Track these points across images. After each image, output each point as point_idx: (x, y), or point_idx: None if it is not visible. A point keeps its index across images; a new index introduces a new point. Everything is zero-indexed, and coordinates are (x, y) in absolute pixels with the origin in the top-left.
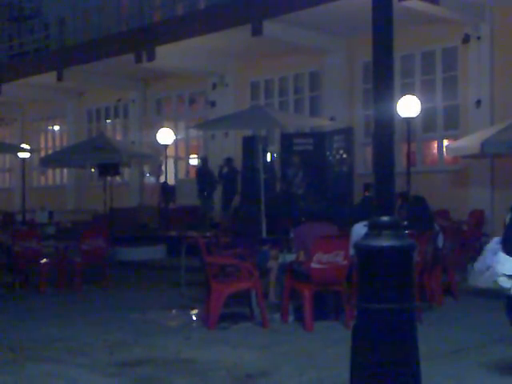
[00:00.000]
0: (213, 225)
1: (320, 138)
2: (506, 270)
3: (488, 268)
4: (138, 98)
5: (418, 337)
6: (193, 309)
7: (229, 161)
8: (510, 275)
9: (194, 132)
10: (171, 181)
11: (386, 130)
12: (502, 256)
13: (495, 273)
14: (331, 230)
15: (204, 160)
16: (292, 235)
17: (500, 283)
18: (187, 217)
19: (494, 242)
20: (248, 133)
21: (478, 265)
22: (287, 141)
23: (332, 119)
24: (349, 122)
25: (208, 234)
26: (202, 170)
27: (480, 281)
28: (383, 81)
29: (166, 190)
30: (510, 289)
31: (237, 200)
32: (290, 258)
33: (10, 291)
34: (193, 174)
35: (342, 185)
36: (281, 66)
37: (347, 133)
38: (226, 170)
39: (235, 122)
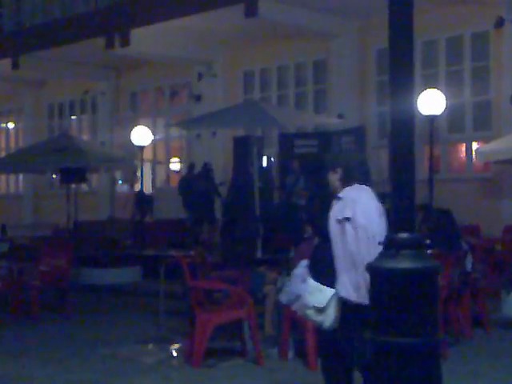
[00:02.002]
0: (198, 242)
1: (326, 139)
2: (315, 302)
3: (297, 298)
4: (109, 91)
5: (442, 376)
6: (173, 343)
7: (205, 166)
8: (320, 308)
9: (175, 131)
10: (148, 189)
11: (404, 129)
12: (312, 284)
13: (304, 304)
14: None
15: (191, 167)
16: (293, 254)
17: (310, 317)
18: (167, 232)
19: (302, 266)
20: (240, 133)
21: (284, 297)
22: (287, 142)
23: (340, 117)
24: (360, 121)
25: (192, 253)
26: (188, 178)
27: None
28: (401, 71)
29: (142, 201)
30: (322, 323)
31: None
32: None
33: None
34: (174, 182)
35: None
36: (279, 54)
37: (358, 133)
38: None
39: (225, 120)
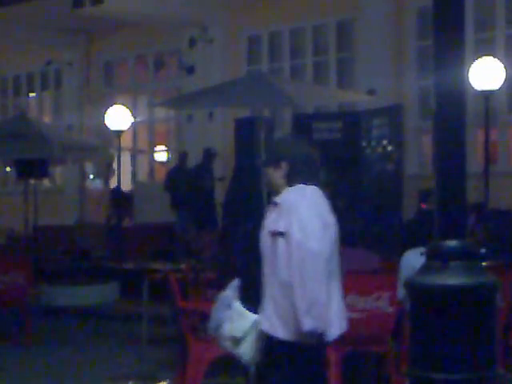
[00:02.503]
0: (190, 252)
1: (352, 122)
2: (233, 331)
3: (218, 326)
4: (78, 61)
5: None
6: (159, 380)
7: (208, 152)
8: (239, 337)
9: (161, 112)
10: (127, 186)
11: (452, 109)
12: (237, 309)
13: (222, 334)
14: (370, 261)
15: (182, 157)
16: None
17: (230, 350)
18: (151, 240)
19: (232, 287)
20: (244, 113)
21: (211, 325)
22: (303, 126)
23: (371, 93)
24: (396, 98)
25: (183, 267)
26: (177, 171)
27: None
28: (449, 35)
29: (120, 200)
30: (241, 356)
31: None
32: None
33: None
34: (160, 176)
35: (385, 192)
36: (293, 13)
37: (394, 113)
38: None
39: (224, 98)
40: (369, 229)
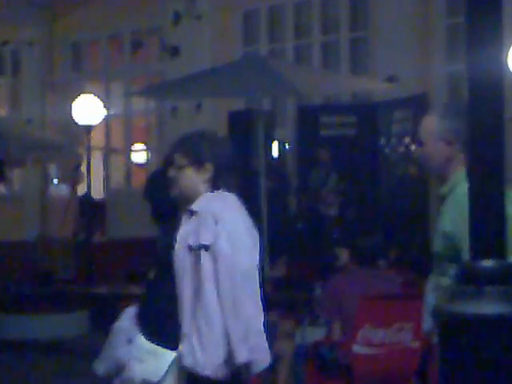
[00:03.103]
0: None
1: (369, 115)
2: (147, 373)
3: (119, 367)
4: (40, 41)
5: None
6: None
7: (166, 159)
8: (155, 382)
9: (140, 103)
10: (98, 193)
11: (488, 98)
12: (143, 345)
13: (129, 378)
14: (389, 284)
15: (166, 158)
16: (319, 293)
17: None
18: (127, 259)
19: (128, 316)
20: (239, 105)
21: (100, 366)
22: (309, 120)
23: (391, 80)
24: (421, 86)
25: None
26: (160, 176)
27: None
28: (484, 11)
29: (90, 210)
30: None
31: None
32: (314, 334)
33: None
34: (138, 181)
35: (408, 200)
36: None
37: (418, 105)
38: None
39: (215, 86)
40: (388, 245)
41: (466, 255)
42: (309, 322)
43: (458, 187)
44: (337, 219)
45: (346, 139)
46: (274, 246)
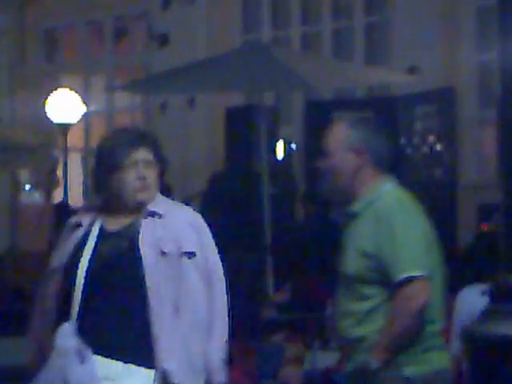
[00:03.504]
0: None
1: (387, 111)
2: None
3: None
4: (8, 29)
5: None
6: None
7: None
8: None
9: (124, 98)
10: (76, 200)
11: None
12: (103, 365)
13: None
14: None
15: None
16: (330, 311)
17: None
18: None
19: (68, 333)
20: (238, 100)
21: None
22: (319, 116)
23: (412, 71)
24: (447, 78)
25: None
26: None
27: None
28: None
29: (67, 220)
30: None
31: None
32: (325, 359)
33: None
34: None
35: (433, 207)
36: None
37: (444, 99)
38: None
39: (210, 78)
40: None
41: (395, 275)
42: (319, 345)
43: (377, 203)
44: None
45: None
46: (279, 263)
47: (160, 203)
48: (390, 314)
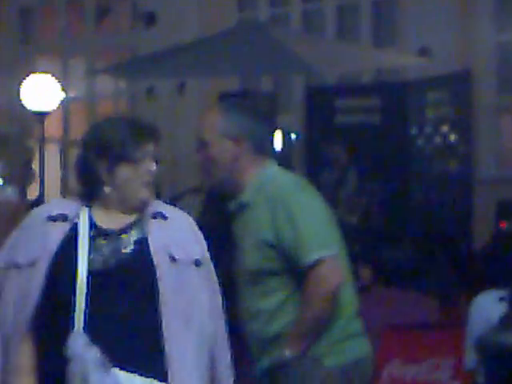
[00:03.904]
0: None
1: (397, 97)
2: None
3: None
4: None
5: None
6: None
7: None
8: None
9: (107, 83)
10: (54, 195)
11: None
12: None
13: None
14: (423, 310)
15: None
16: None
17: None
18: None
19: (80, 341)
20: (232, 85)
21: None
22: (323, 104)
23: (424, 53)
24: (462, 60)
25: None
26: None
27: None
28: None
29: None
30: None
31: None
32: None
33: None
34: None
35: (447, 204)
36: None
37: (458, 84)
38: None
39: (202, 61)
40: (422, 260)
41: (303, 259)
42: None
43: (267, 189)
44: (357, 229)
45: (369, 128)
46: None
47: (158, 204)
48: (303, 299)
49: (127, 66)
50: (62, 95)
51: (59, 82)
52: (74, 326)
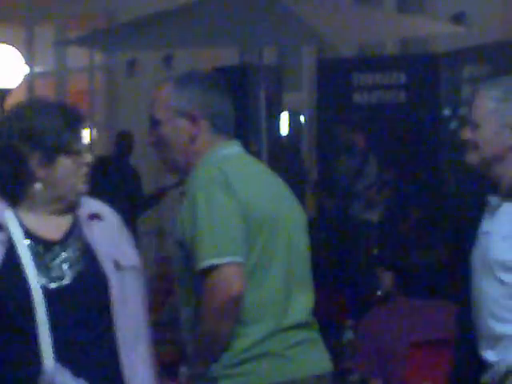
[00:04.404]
0: None
1: (426, 72)
2: None
3: None
4: None
5: None
6: None
7: (121, 140)
8: None
9: (79, 56)
10: None
11: None
12: None
13: None
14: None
15: (122, 139)
16: (350, 337)
17: None
18: None
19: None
20: (229, 58)
21: None
22: (338, 80)
23: (458, 20)
24: (504, 30)
25: None
26: (111, 165)
27: None
28: None
29: None
30: None
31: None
32: None
33: None
34: None
35: (484, 195)
36: None
37: (500, 57)
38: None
39: (192, 29)
40: (455, 264)
41: (197, 264)
42: (335, 378)
43: (191, 177)
44: (378, 227)
45: (392, 108)
46: None
47: (88, 201)
48: (199, 311)
49: (103, 35)
50: (27, 69)
51: (23, 54)
52: (39, 356)
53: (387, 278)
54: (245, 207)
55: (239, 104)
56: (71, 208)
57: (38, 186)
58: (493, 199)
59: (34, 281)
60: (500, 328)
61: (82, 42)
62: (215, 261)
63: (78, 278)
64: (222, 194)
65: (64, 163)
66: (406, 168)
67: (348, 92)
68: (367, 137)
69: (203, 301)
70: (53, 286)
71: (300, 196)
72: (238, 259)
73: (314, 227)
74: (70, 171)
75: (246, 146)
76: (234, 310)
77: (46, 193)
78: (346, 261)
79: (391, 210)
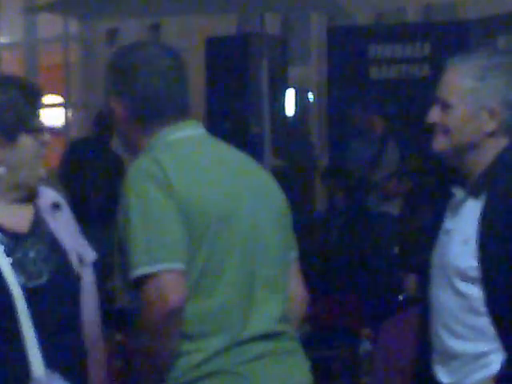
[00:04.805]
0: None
1: (453, 43)
2: None
3: None
4: None
5: None
6: None
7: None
8: None
9: (52, 24)
10: None
11: None
12: None
13: None
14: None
15: (100, 119)
16: (368, 349)
17: None
18: None
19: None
20: (225, 27)
21: None
22: (351, 52)
23: None
24: None
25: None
26: (89, 149)
27: None
28: None
29: None
30: None
31: None
32: None
33: None
34: (52, 158)
35: None
36: None
37: None
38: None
39: None
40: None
41: (129, 273)
42: None
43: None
44: (399, 222)
45: (415, 84)
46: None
47: (44, 190)
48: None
49: (80, 0)
50: (3, 40)
51: None
52: (27, 362)
53: (410, 281)
54: (186, 205)
55: (238, 80)
56: (31, 196)
57: (1, 169)
58: (458, 192)
59: (12, 279)
60: (454, 344)
61: (54, 8)
62: (148, 269)
63: (54, 276)
64: (157, 191)
65: (25, 142)
66: (431, 155)
67: (363, 66)
68: (385, 118)
69: (140, 315)
70: (30, 284)
71: (308, 185)
72: (176, 266)
73: (325, 221)
74: (31, 151)
75: (246, 127)
76: (174, 324)
77: (5, 178)
78: (362, 261)
79: (414, 201)
